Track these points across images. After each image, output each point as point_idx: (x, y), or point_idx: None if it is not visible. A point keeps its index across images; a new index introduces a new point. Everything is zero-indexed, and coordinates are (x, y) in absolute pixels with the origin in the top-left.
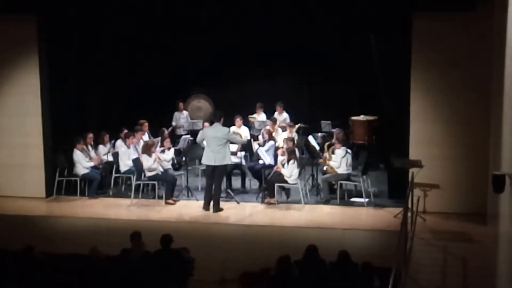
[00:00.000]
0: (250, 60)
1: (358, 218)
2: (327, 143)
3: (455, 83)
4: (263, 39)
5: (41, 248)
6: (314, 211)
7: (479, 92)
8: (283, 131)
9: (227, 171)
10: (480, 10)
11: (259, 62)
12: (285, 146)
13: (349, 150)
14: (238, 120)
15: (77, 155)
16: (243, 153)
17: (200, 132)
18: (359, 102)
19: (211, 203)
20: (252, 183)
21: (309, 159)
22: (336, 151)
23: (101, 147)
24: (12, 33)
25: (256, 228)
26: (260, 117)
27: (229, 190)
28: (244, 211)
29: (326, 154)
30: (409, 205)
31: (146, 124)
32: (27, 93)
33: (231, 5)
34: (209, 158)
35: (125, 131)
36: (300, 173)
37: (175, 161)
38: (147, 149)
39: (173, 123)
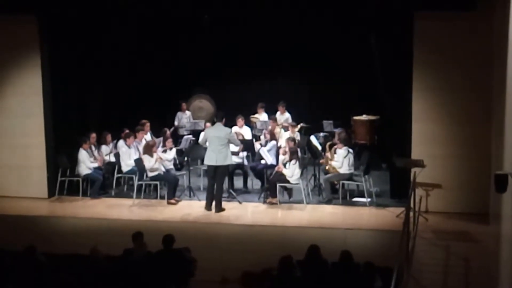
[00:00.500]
0: (251, 60)
1: (360, 218)
2: (329, 143)
3: (457, 83)
4: (264, 39)
5: (43, 248)
6: (316, 211)
7: (481, 91)
8: (285, 131)
9: (229, 171)
10: (481, 9)
11: (260, 62)
12: (287, 146)
13: (351, 150)
14: (240, 120)
15: (82, 154)
16: (245, 153)
17: (202, 133)
18: (361, 102)
19: (213, 203)
20: (254, 183)
21: (311, 159)
22: (338, 151)
23: (103, 147)
24: (13, 33)
25: (258, 228)
26: (261, 117)
27: (231, 190)
28: (246, 211)
29: (328, 154)
30: (411, 205)
31: (148, 124)
32: (28, 93)
33: (232, 6)
34: (210, 158)
35: (126, 131)
36: (302, 173)
37: (177, 161)
38: (149, 149)
39: (176, 123)
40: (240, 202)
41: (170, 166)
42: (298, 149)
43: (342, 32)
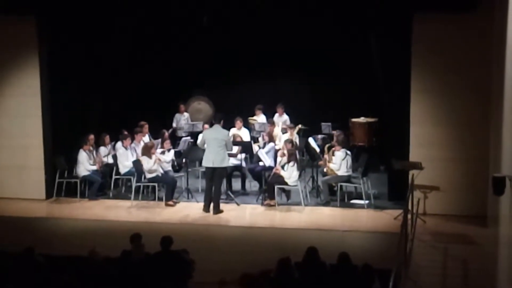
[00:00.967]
0: (250, 61)
1: (358, 220)
2: (327, 145)
3: (455, 85)
4: (263, 41)
5: (41, 249)
6: (314, 213)
7: (479, 94)
8: (283, 133)
9: (227, 173)
10: (480, 11)
11: (259, 64)
12: (285, 148)
13: (349, 152)
14: (239, 122)
15: (82, 156)
16: (243, 155)
17: (200, 135)
18: (359, 104)
19: (211, 205)
20: (252, 185)
21: (309, 161)
22: (336, 153)
23: (102, 148)
24: (12, 34)
25: (256, 230)
26: (260, 119)
27: (229, 192)
28: (244, 213)
29: (326, 156)
30: (409, 207)
31: (146, 125)
32: (27, 94)
33: (231, 7)
34: (208, 160)
35: (124, 132)
36: (300, 175)
37: (175, 163)
38: (147, 151)
39: (174, 125)
40: (238, 204)
41: (168, 167)
42: (296, 151)
43: (340, 34)
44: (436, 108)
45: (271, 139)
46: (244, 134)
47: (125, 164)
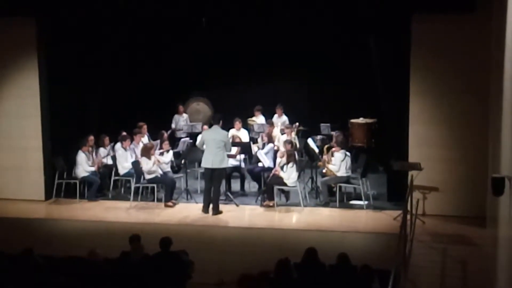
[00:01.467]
0: (249, 62)
1: (357, 220)
2: (326, 146)
3: (454, 86)
4: (262, 41)
5: (40, 250)
6: (314, 213)
7: (478, 94)
8: (282, 134)
9: (226, 174)
10: (479, 12)
11: (258, 65)
12: (283, 149)
13: (348, 153)
14: (238, 123)
15: (81, 157)
16: (242, 156)
17: (199, 136)
18: (358, 105)
19: (210, 205)
20: (251, 185)
21: (308, 162)
22: (336, 154)
23: (101, 149)
24: (11, 35)
25: (255, 231)
26: (259, 119)
27: (228, 193)
28: (243, 214)
29: (325, 157)
30: (408, 208)
31: (145, 126)
32: (26, 95)
33: (230, 8)
34: (207, 161)
35: (123, 133)
36: (299, 176)
37: (174, 164)
38: (146, 152)
39: (173, 126)
40: (237, 205)
41: (167, 168)
42: (296, 152)
43: (339, 35)
44: (435, 108)
45: (270, 140)
46: (243, 135)
47: (124, 165)
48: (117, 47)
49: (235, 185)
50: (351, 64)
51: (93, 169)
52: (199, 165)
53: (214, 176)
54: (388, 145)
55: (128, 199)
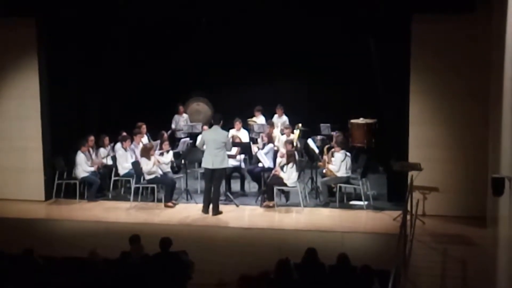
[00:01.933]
0: (249, 63)
1: (358, 221)
2: (326, 146)
3: (454, 86)
4: (262, 42)
5: (41, 251)
6: (314, 214)
7: (478, 94)
8: (282, 134)
9: (226, 174)
10: (479, 13)
11: (258, 65)
12: (284, 149)
13: (348, 153)
14: (238, 123)
15: (80, 157)
16: (242, 156)
17: (200, 136)
18: (358, 105)
19: (210, 206)
20: (251, 186)
21: (308, 162)
22: (336, 154)
23: (101, 150)
24: (11, 36)
25: (255, 231)
26: (259, 120)
27: (228, 193)
28: (243, 214)
29: (325, 157)
30: (409, 208)
31: (144, 126)
32: (26, 96)
33: (230, 8)
34: (207, 161)
35: (123, 134)
36: (299, 176)
37: (174, 164)
38: (146, 152)
39: (173, 126)
40: (237, 205)
41: (167, 169)
42: (296, 152)
43: (340, 35)
44: (435, 109)
45: (270, 140)
46: (243, 135)
47: (124, 165)
48: (117, 47)
49: (235, 185)
50: (351, 64)
51: (92, 169)
52: (199, 166)
53: (214, 177)
54: (388, 146)
55: (128, 200)
